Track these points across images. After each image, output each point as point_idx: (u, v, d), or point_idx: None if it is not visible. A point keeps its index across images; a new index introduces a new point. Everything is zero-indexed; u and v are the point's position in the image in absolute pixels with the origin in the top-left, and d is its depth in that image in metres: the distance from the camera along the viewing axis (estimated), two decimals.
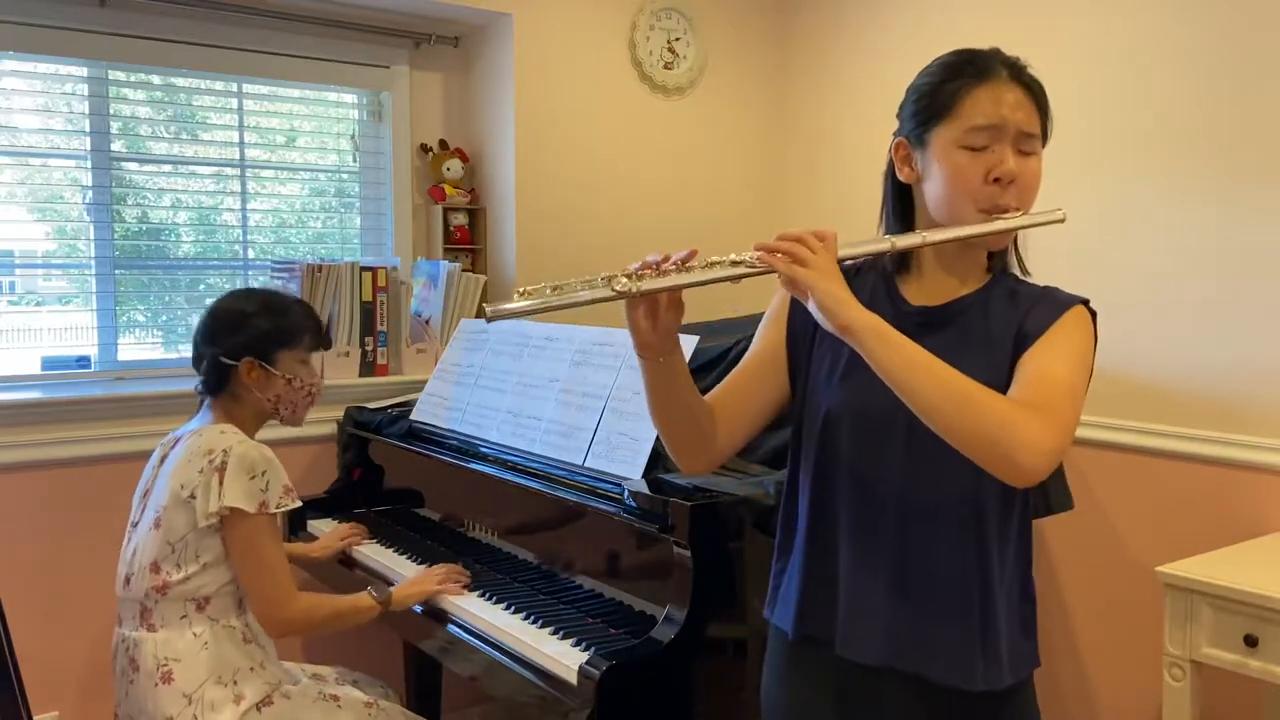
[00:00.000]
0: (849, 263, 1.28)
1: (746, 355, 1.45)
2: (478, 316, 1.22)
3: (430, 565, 2.30)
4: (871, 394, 1.25)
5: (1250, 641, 1.84)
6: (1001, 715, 1.32)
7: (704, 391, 1.41)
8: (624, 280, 1.20)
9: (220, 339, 2.01)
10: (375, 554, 2.43)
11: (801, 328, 1.39)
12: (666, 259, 1.23)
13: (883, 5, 3.09)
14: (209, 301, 2.11)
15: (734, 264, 1.22)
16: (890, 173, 1.38)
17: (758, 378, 1.42)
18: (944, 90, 1.28)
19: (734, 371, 1.44)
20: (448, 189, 3.12)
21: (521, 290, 1.18)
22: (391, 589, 2.10)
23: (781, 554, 1.43)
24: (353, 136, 3.13)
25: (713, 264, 1.22)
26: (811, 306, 1.21)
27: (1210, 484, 2.34)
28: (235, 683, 1.90)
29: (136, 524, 2.00)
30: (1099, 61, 2.53)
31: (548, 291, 1.19)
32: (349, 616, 2.04)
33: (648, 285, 1.21)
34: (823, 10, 3.30)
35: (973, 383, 1.16)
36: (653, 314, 1.26)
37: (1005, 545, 1.31)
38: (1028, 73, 1.30)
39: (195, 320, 2.10)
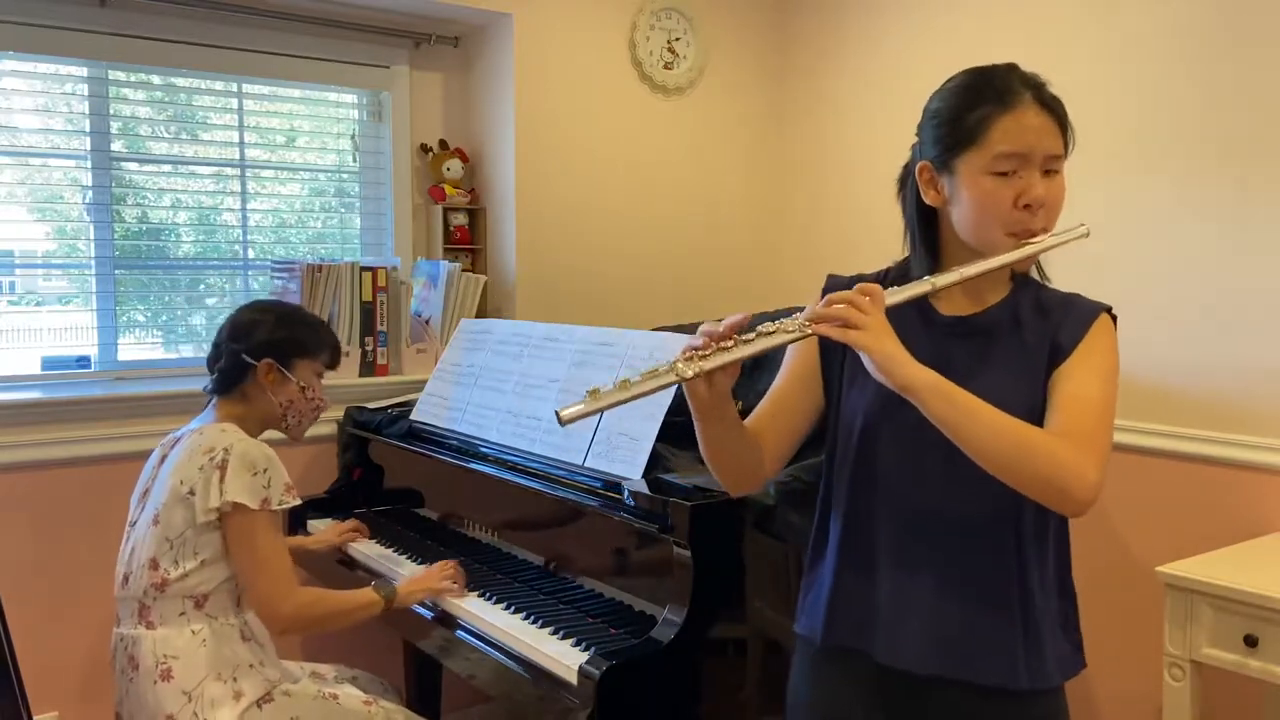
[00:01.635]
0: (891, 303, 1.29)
1: (781, 375, 1.47)
2: (560, 422, 1.24)
3: (430, 565, 2.30)
4: (909, 405, 1.26)
5: (1250, 641, 1.84)
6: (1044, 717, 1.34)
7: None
8: (684, 366, 1.22)
9: (244, 337, 2.04)
10: (375, 553, 2.43)
11: (833, 341, 1.40)
12: (725, 335, 1.24)
13: (883, 6, 3.09)
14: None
15: (788, 331, 1.24)
16: (915, 195, 1.39)
17: (795, 396, 1.44)
18: (969, 117, 1.30)
19: (771, 393, 1.46)
20: (448, 189, 3.12)
21: (591, 390, 1.21)
22: (396, 585, 2.10)
23: (813, 565, 1.46)
24: (353, 136, 3.13)
25: (767, 333, 1.25)
26: (868, 364, 1.23)
27: (1210, 484, 2.34)
28: (235, 679, 1.90)
29: (135, 523, 2.00)
30: (1101, 64, 2.53)
31: (615, 389, 1.21)
32: (353, 612, 2.03)
33: (710, 365, 1.23)
34: (823, 11, 3.30)
35: (1025, 425, 1.21)
36: (709, 380, 1.27)
37: (1043, 546, 1.33)
38: (1049, 93, 1.32)
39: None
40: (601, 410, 1.21)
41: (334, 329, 2.79)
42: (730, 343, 1.24)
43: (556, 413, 1.20)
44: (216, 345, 2.09)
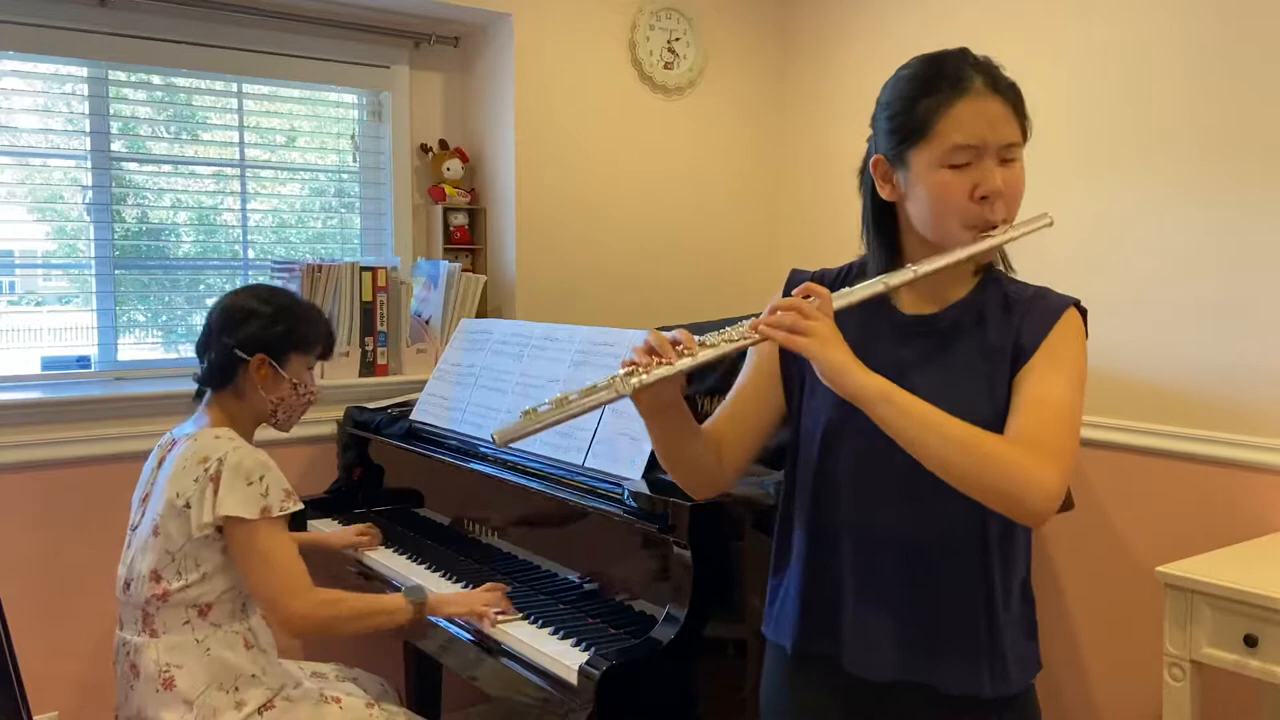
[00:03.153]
0: (842, 304, 1.25)
1: (741, 379, 1.44)
2: (496, 443, 1.24)
3: (431, 566, 2.30)
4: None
5: (1250, 641, 1.84)
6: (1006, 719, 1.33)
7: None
8: (624, 383, 1.20)
9: (236, 331, 1.97)
10: (376, 554, 2.43)
11: None
12: (666, 351, 1.22)
13: (883, 5, 3.09)
14: (209, 301, 2.09)
15: (731, 341, 1.22)
16: (870, 189, 1.35)
17: (756, 400, 1.41)
18: (920, 108, 1.25)
19: (731, 397, 1.43)
20: (448, 189, 3.12)
21: (527, 411, 1.20)
22: (428, 593, 2.02)
23: (778, 570, 1.44)
24: (353, 136, 3.13)
25: (711, 345, 1.22)
26: (817, 371, 1.20)
27: (1210, 484, 2.34)
28: (237, 689, 1.89)
29: (136, 528, 1.98)
30: (1097, 61, 2.53)
31: (551, 408, 1.20)
32: (375, 616, 1.95)
33: (651, 379, 1.21)
34: (823, 10, 3.30)
35: (980, 432, 1.17)
36: (654, 390, 1.24)
37: (1008, 554, 1.31)
38: (1003, 78, 1.26)
39: (196, 319, 2.07)
40: (538, 430, 1.20)
41: (334, 328, 2.80)
42: (673, 356, 1.22)
43: (491, 435, 1.20)
44: (208, 331, 2.01)
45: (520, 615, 1.98)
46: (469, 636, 1.99)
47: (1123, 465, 2.47)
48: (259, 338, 1.98)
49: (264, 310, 2.00)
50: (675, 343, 1.23)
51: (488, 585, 2.06)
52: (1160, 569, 1.95)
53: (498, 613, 1.97)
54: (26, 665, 1.88)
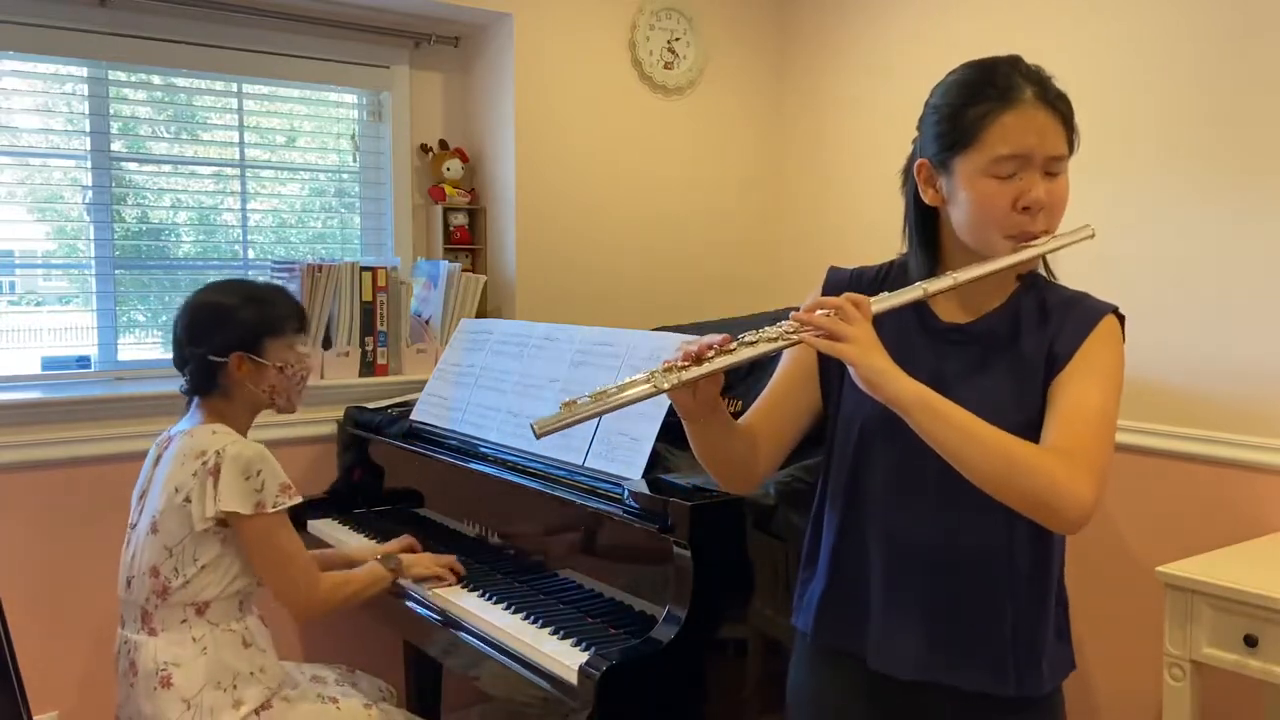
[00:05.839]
0: (880, 309, 1.26)
1: (777, 374, 1.45)
2: (535, 435, 1.23)
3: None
4: None
5: (1250, 641, 1.84)
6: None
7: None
8: (663, 378, 1.22)
9: (205, 337, 1.96)
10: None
11: None
12: (705, 349, 1.23)
13: (883, 5, 3.09)
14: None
15: (771, 340, 1.23)
16: (913, 192, 1.35)
17: (792, 396, 1.42)
18: (967, 115, 1.25)
19: (767, 391, 1.44)
20: (448, 189, 3.12)
21: (566, 403, 1.21)
22: (400, 557, 2.14)
23: (809, 563, 1.45)
24: (353, 136, 3.13)
25: (750, 343, 1.23)
26: (854, 376, 1.21)
27: (1210, 484, 2.34)
28: (235, 687, 1.89)
29: (135, 525, 1.99)
30: (1104, 62, 2.53)
31: (589, 401, 1.21)
32: (370, 588, 2.07)
33: (689, 376, 1.22)
34: (823, 10, 3.30)
35: (1017, 441, 1.18)
36: (692, 389, 1.26)
37: (1039, 554, 1.32)
38: (1053, 89, 1.26)
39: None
40: (577, 422, 1.21)
41: (334, 328, 2.81)
42: (711, 352, 1.23)
43: (531, 426, 1.20)
44: (178, 346, 2.00)
45: (471, 585, 2.13)
46: (468, 636, 1.99)
47: (1123, 465, 2.47)
48: (228, 337, 1.96)
49: (225, 307, 1.98)
50: (713, 346, 1.24)
51: (447, 557, 2.22)
52: (1160, 569, 1.95)
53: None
54: (26, 665, 1.88)
